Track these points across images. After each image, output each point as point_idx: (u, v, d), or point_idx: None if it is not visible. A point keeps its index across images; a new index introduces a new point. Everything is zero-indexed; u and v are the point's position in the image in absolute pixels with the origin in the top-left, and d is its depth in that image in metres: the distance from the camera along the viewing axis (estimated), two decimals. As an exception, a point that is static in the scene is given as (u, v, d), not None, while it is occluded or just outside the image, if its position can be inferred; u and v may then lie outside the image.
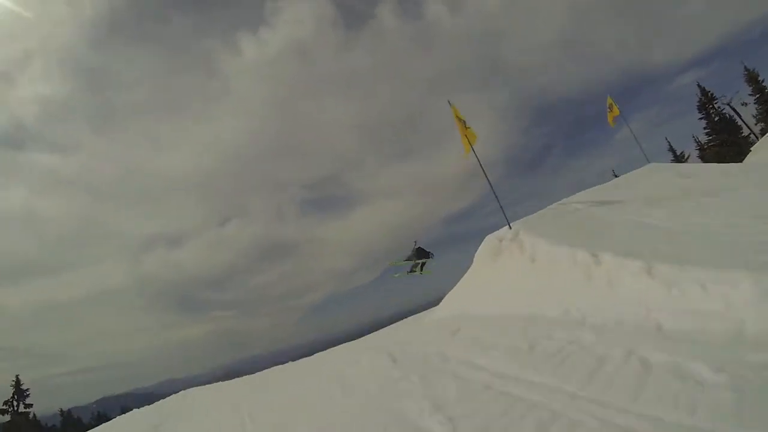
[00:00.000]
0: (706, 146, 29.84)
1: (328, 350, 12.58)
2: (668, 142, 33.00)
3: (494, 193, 8.72)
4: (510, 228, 8.17)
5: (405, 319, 12.89)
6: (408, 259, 12.85)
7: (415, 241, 13.09)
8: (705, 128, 29.95)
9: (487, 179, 8.71)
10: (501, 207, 8.41)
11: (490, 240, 8.38)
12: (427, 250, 13.11)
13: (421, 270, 12.87)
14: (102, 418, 40.89)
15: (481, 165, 8.72)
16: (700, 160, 29.26)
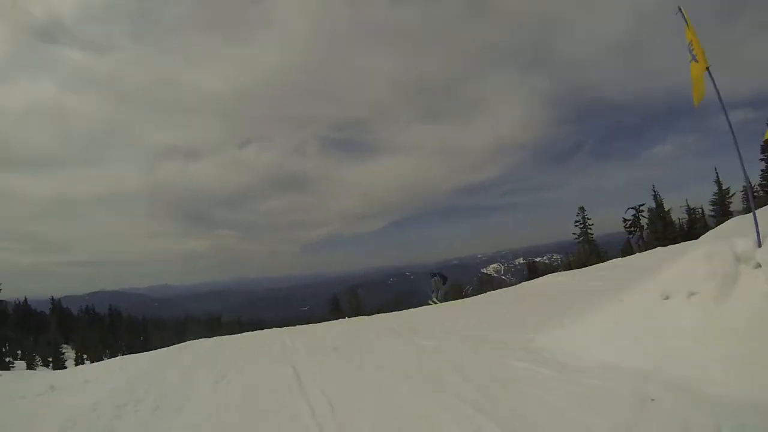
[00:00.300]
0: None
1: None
2: (716, 173, 28.92)
3: (747, 180, 5.34)
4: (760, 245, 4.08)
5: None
6: (435, 293, 14.50)
7: (433, 273, 14.78)
8: (764, 170, 27.28)
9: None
10: (754, 214, 4.49)
11: (718, 253, 4.23)
12: (444, 275, 15.13)
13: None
14: (90, 312, 74.69)
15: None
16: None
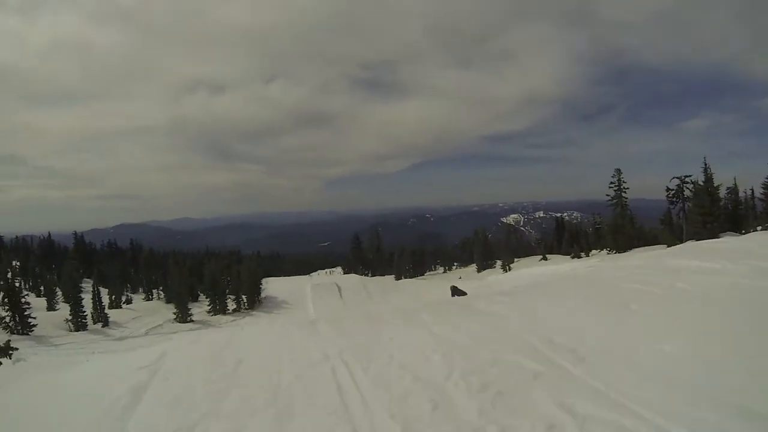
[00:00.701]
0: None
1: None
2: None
3: None
4: None
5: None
6: None
7: (453, 287, 16.24)
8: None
9: None
10: None
11: None
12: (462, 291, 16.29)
13: None
14: (112, 245, 77.03)
15: None
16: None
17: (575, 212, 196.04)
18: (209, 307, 33.09)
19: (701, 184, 26.14)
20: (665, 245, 24.43)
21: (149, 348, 9.75)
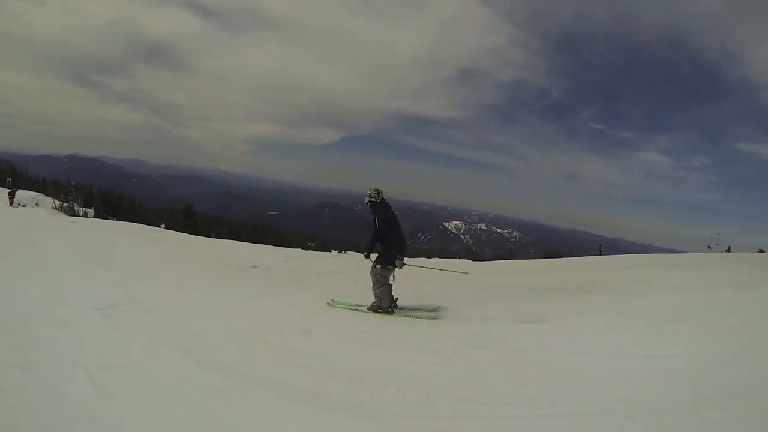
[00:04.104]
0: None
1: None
2: None
3: None
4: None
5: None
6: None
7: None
8: None
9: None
10: None
11: None
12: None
13: None
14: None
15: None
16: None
17: (516, 231, 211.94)
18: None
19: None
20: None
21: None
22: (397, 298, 5.31)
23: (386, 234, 5.21)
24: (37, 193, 31.76)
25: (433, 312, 5.21)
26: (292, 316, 5.12)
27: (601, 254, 15.28)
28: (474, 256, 20.64)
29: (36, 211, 18.77)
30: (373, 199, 5.29)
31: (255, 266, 9.57)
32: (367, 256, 5.48)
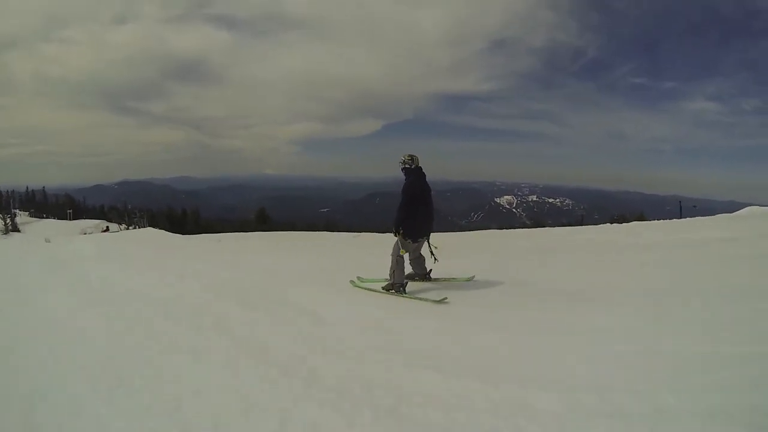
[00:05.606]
0: None
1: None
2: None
3: None
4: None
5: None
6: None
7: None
8: None
9: None
10: None
11: None
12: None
13: None
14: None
15: None
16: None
17: (567, 199, 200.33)
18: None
19: None
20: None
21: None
22: (430, 270, 5.11)
23: (402, 203, 4.65)
24: (100, 221, 32.14)
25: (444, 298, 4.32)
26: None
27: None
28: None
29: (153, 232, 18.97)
30: (407, 165, 4.80)
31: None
32: (396, 233, 4.73)
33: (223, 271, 6.94)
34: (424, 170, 4.83)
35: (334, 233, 17.62)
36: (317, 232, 19.37)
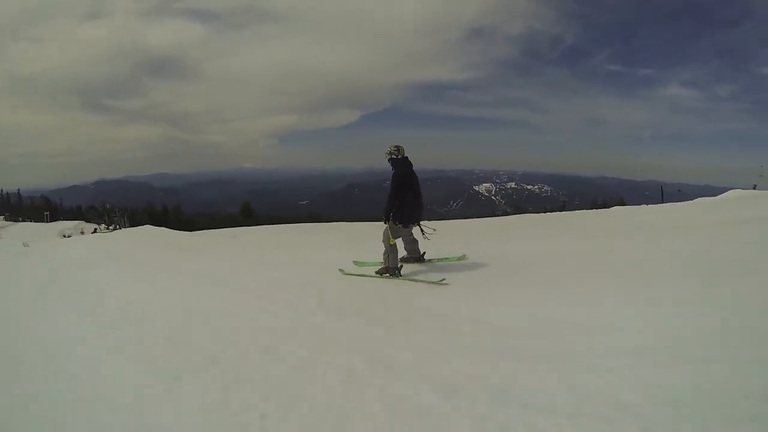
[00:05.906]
0: None
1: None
2: None
3: None
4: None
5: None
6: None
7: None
8: None
9: None
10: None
11: None
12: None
13: None
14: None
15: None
16: None
17: (546, 186, 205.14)
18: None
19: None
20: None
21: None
22: (424, 252, 5.38)
23: (391, 192, 4.90)
24: (78, 221, 32.03)
25: (443, 280, 4.49)
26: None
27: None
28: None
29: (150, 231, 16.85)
30: (393, 156, 5.04)
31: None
32: (386, 221, 4.93)
33: (312, 277, 5.14)
34: (410, 159, 5.09)
35: (354, 223, 16.93)
36: (334, 223, 18.78)
